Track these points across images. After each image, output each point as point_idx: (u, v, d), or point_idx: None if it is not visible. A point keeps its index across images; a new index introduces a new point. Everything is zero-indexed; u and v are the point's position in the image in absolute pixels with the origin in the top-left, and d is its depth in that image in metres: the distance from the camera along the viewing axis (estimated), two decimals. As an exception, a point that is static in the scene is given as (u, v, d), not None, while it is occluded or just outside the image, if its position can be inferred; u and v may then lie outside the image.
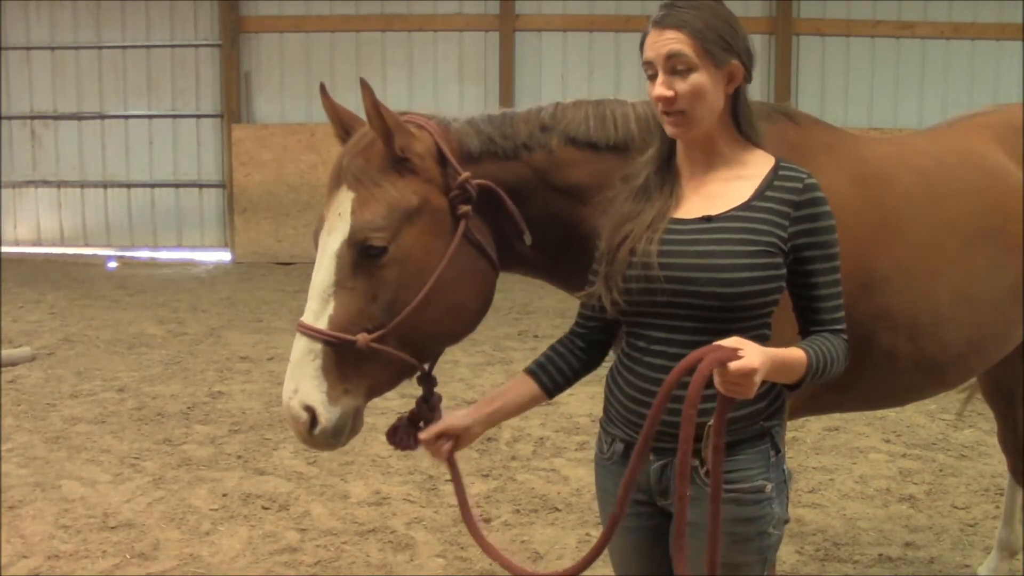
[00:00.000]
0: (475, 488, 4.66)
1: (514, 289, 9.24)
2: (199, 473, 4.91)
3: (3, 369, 6.76)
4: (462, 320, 2.28)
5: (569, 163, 2.32)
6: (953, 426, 5.65)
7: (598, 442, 2.16)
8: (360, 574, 3.88)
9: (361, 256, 2.13)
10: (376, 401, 2.34)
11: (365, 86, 2.11)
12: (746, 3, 11.49)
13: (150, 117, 12.68)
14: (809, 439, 5.39)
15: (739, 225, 1.92)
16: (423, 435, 2.14)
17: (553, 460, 5.13)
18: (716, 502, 1.82)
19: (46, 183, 12.90)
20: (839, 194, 2.06)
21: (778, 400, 2.03)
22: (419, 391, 2.29)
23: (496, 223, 2.30)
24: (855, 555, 4.02)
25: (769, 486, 1.99)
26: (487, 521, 4.30)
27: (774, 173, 1.98)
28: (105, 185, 12.81)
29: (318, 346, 2.12)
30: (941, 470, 4.99)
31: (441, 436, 2.12)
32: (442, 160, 2.22)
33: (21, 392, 6.30)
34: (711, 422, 1.83)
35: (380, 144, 2.18)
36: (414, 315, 2.15)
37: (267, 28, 12.38)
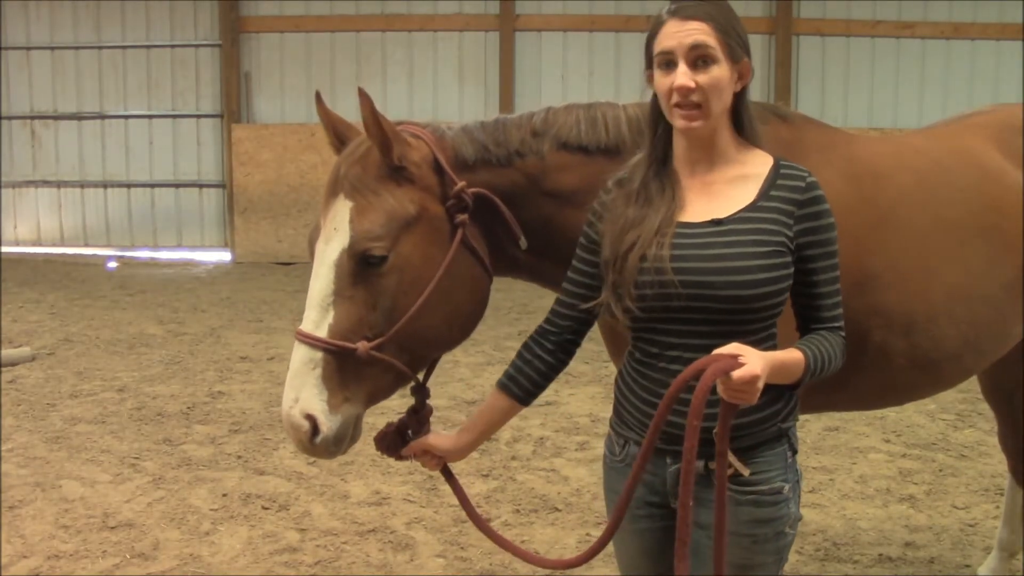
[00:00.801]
0: (475, 488, 4.67)
1: (514, 289, 9.23)
2: (199, 473, 4.91)
3: (3, 369, 6.76)
4: (459, 326, 2.30)
5: (561, 167, 2.34)
6: (953, 426, 5.65)
7: (608, 444, 2.16)
8: (360, 574, 3.88)
9: (361, 265, 2.14)
10: (377, 402, 2.35)
11: (363, 95, 2.12)
12: (746, 3, 11.47)
13: (150, 117, 12.68)
14: (809, 439, 5.39)
15: (749, 227, 1.92)
16: (405, 451, 2.22)
17: (553, 460, 5.13)
18: (721, 507, 1.85)
19: (46, 183, 12.90)
20: (832, 192, 2.07)
21: (792, 400, 2.03)
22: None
23: (490, 228, 2.32)
24: (855, 555, 4.02)
25: (787, 487, 2.00)
26: (487, 521, 4.30)
27: (776, 172, 1.99)
28: (105, 185, 12.82)
29: (318, 355, 2.12)
30: (941, 470, 4.99)
31: (426, 454, 2.20)
32: (438, 169, 2.23)
33: (21, 392, 6.30)
34: (716, 428, 1.84)
35: (377, 153, 2.18)
36: (413, 322, 2.16)
37: (267, 28, 12.38)
